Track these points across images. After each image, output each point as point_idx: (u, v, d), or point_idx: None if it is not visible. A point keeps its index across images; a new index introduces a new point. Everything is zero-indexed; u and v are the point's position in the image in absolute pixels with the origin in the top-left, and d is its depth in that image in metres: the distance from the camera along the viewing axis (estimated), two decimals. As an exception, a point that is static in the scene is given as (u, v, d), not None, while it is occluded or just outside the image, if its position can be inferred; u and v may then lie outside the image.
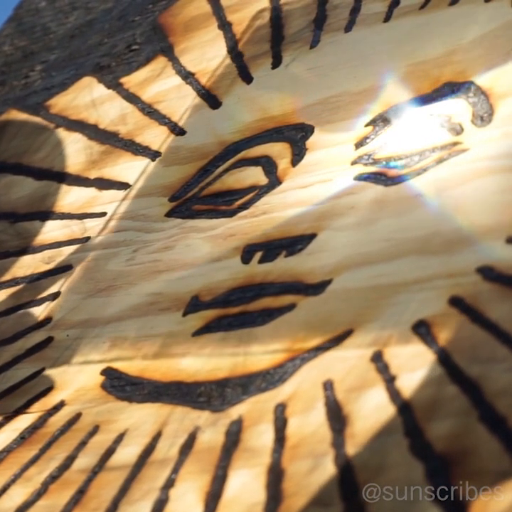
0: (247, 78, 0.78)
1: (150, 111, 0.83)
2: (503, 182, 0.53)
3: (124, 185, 0.77)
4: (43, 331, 0.69)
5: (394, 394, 0.46)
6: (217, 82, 0.80)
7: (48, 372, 0.65)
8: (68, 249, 0.76)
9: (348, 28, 0.74)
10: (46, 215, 0.81)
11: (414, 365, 0.47)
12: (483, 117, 0.58)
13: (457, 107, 0.60)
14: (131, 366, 0.60)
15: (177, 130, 0.79)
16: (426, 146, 0.59)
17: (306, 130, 0.68)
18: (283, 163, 0.67)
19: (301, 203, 0.62)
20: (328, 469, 0.45)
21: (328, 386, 0.49)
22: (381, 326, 0.50)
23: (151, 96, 0.84)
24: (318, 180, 0.63)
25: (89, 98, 0.90)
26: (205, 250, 0.65)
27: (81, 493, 0.53)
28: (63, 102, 0.93)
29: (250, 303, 0.58)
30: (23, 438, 0.60)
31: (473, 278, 0.49)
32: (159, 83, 0.85)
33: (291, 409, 0.49)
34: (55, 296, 0.72)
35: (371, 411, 0.46)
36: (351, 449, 0.45)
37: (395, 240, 0.55)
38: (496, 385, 0.43)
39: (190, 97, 0.81)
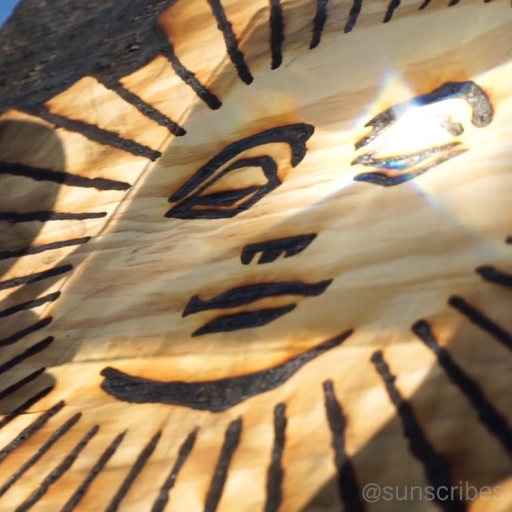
0: (247, 78, 0.78)
1: (150, 111, 0.83)
2: (503, 182, 0.53)
3: (124, 186, 0.77)
4: (43, 331, 0.69)
5: (394, 394, 0.46)
6: (217, 82, 0.80)
7: (48, 372, 0.65)
8: (68, 250, 0.76)
9: (348, 28, 0.74)
10: (46, 215, 0.81)
11: (414, 365, 0.47)
12: (483, 117, 0.58)
13: (457, 107, 0.60)
14: (131, 366, 0.60)
15: (177, 130, 0.79)
16: (426, 146, 0.59)
17: (306, 130, 0.68)
18: (283, 163, 0.67)
19: (301, 203, 0.62)
20: (328, 469, 0.45)
21: (328, 386, 0.49)
22: (381, 326, 0.50)
23: (151, 96, 0.84)
24: (318, 180, 0.63)
25: (89, 98, 0.90)
26: (205, 250, 0.65)
27: (81, 493, 0.53)
28: (63, 102, 0.93)
29: (250, 303, 0.58)
30: (23, 438, 0.60)
31: (473, 278, 0.49)
32: (159, 83, 0.85)
33: (291, 409, 0.49)
34: (55, 296, 0.72)
35: (371, 411, 0.46)
36: (351, 449, 0.45)
37: (395, 240, 0.55)
38: (496, 385, 0.43)
39: (190, 97, 0.81)
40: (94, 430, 0.57)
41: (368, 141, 0.63)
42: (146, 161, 0.78)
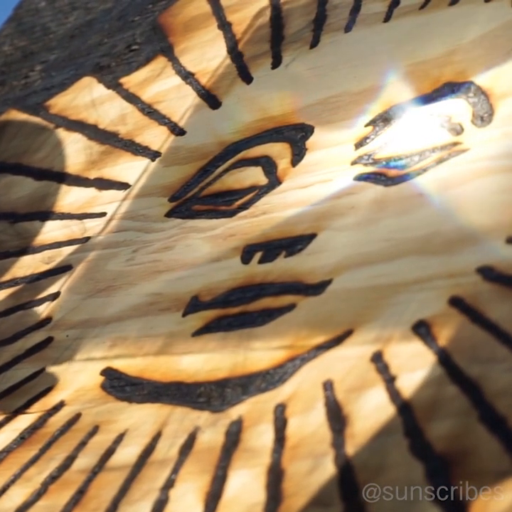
0: (247, 78, 0.78)
1: (150, 111, 0.83)
2: (503, 182, 0.53)
3: (124, 186, 0.77)
4: (43, 331, 0.69)
5: (394, 394, 0.46)
6: (217, 82, 0.80)
7: (48, 372, 0.65)
8: (68, 250, 0.76)
9: (348, 28, 0.74)
10: (46, 215, 0.81)
11: (414, 365, 0.47)
12: (484, 117, 0.58)
13: (457, 107, 0.60)
14: (131, 366, 0.60)
15: (177, 130, 0.79)
16: (426, 146, 0.59)
17: (306, 130, 0.68)
18: (283, 163, 0.67)
19: (301, 203, 0.62)
20: (328, 469, 0.45)
21: (328, 386, 0.49)
22: (381, 326, 0.50)
23: (151, 96, 0.84)
24: (318, 180, 0.63)
25: (89, 98, 0.90)
26: (205, 250, 0.65)
27: (81, 493, 0.53)
28: (63, 102, 0.93)
29: (250, 303, 0.58)
30: (22, 438, 0.60)
31: (474, 278, 0.49)
32: (159, 83, 0.85)
33: (291, 409, 0.49)
34: (55, 296, 0.72)
35: (371, 411, 0.46)
36: (351, 449, 0.45)
37: (395, 240, 0.55)
38: (496, 385, 0.43)
39: (190, 97, 0.81)
40: (94, 430, 0.57)
41: (368, 141, 0.63)
42: (146, 161, 0.78)
